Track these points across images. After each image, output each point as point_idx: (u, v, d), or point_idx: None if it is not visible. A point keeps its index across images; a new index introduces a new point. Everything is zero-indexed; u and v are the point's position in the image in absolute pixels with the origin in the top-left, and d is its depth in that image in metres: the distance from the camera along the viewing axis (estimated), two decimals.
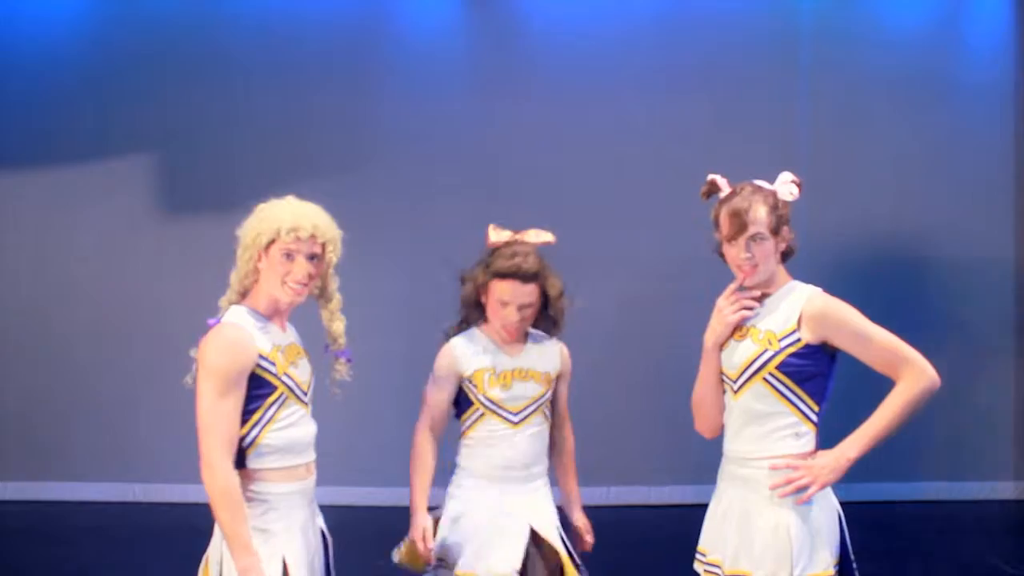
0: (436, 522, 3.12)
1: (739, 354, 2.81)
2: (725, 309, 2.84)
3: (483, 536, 3.05)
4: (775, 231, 2.79)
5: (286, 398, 2.72)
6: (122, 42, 6.74)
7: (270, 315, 2.76)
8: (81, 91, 6.72)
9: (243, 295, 2.79)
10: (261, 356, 2.66)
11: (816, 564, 2.71)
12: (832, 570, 2.74)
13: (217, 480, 2.57)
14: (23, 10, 6.79)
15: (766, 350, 2.77)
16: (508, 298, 3.07)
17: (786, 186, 2.85)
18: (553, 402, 3.25)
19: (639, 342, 6.65)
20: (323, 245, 2.76)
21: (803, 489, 2.70)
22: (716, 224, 2.86)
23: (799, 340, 2.75)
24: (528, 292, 3.08)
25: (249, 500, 2.64)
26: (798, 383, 2.76)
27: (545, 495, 3.19)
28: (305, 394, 2.82)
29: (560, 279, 3.15)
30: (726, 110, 6.76)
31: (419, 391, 3.20)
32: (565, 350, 3.27)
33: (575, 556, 3.15)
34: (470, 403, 3.16)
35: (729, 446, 2.88)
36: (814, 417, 2.79)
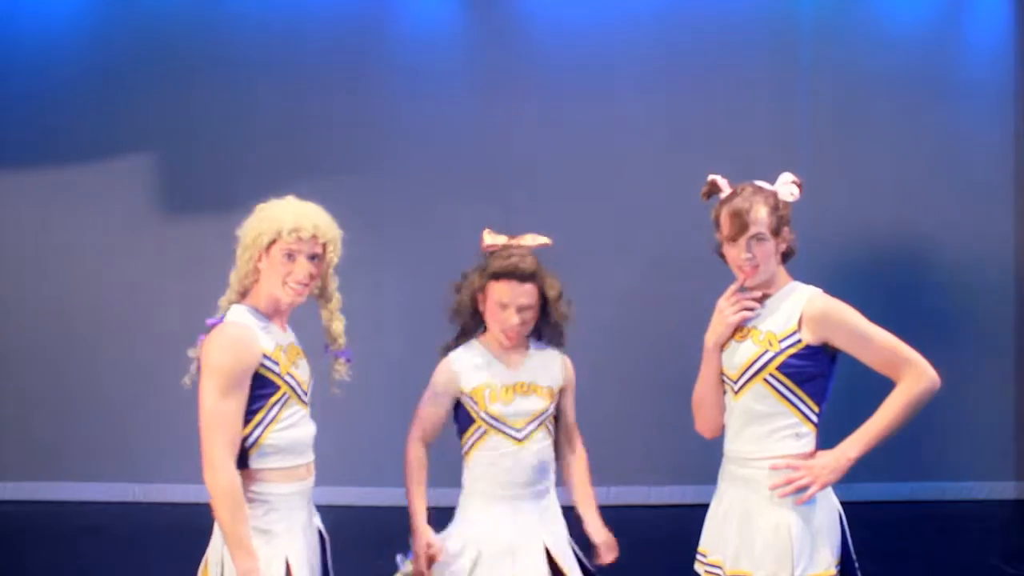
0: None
1: (740, 355, 2.82)
2: (726, 310, 2.84)
3: (497, 562, 2.97)
4: (776, 232, 2.79)
5: (288, 398, 2.72)
6: (122, 41, 6.73)
7: (270, 315, 2.77)
8: (81, 90, 6.71)
9: (243, 295, 2.79)
10: (265, 355, 2.67)
11: (817, 564, 2.71)
12: (834, 570, 2.74)
13: (220, 480, 2.57)
14: (23, 8, 6.78)
15: (767, 351, 2.77)
16: (507, 299, 3.00)
17: (787, 187, 2.85)
18: (559, 416, 3.17)
19: (639, 342, 6.65)
20: (324, 245, 2.77)
21: (803, 489, 2.71)
22: (717, 224, 2.86)
23: (800, 341, 2.75)
24: (526, 292, 3.02)
25: (250, 501, 2.64)
26: (799, 384, 2.76)
27: (555, 511, 3.12)
28: (306, 394, 2.82)
29: (558, 281, 3.09)
30: (726, 110, 6.76)
31: (418, 391, 3.15)
32: (568, 361, 3.19)
33: (591, 572, 3.09)
34: (471, 421, 3.07)
35: (729, 446, 2.88)
36: (814, 418, 2.80)
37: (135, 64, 6.70)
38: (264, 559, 2.61)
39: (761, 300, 2.84)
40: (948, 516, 6.49)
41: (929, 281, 6.87)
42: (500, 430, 3.04)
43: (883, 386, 2.75)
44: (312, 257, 2.74)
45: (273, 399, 2.69)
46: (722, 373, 2.89)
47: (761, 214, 2.76)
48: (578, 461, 3.21)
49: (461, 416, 3.11)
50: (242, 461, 2.65)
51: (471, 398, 3.06)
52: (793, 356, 2.75)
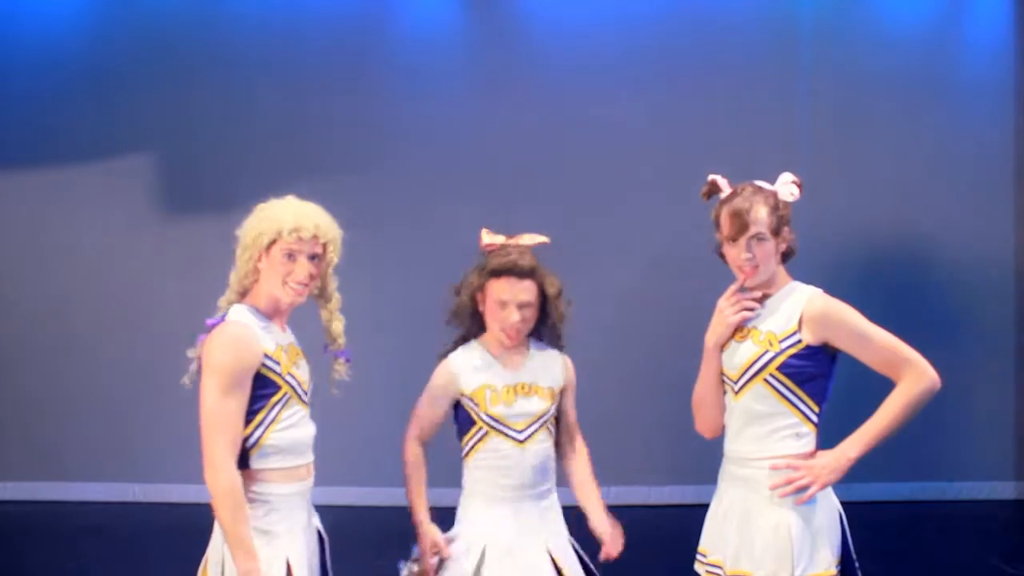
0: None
1: (740, 355, 2.82)
2: (726, 310, 2.84)
3: (499, 562, 2.95)
4: (776, 232, 2.79)
5: (289, 398, 2.72)
6: (122, 41, 6.73)
7: (271, 315, 2.77)
8: (81, 90, 6.71)
9: (242, 295, 2.79)
10: (266, 355, 2.67)
11: (817, 564, 2.71)
12: (834, 570, 2.74)
13: (221, 480, 2.56)
14: (23, 8, 6.78)
15: (767, 351, 2.77)
16: (507, 296, 2.98)
17: (787, 187, 2.85)
18: (560, 416, 3.15)
19: (639, 342, 6.65)
20: (324, 245, 2.77)
21: (804, 489, 2.71)
22: (717, 224, 2.86)
23: (800, 341, 2.75)
24: (526, 288, 2.99)
25: (251, 501, 2.64)
26: (799, 384, 2.76)
27: (557, 512, 3.11)
28: (306, 394, 2.82)
29: (557, 279, 3.08)
30: (726, 110, 6.76)
31: (418, 391, 3.14)
32: (569, 362, 3.18)
33: (594, 571, 3.08)
34: (472, 422, 3.05)
35: (730, 446, 2.88)
36: (814, 418, 2.80)
37: (135, 64, 6.69)
38: (265, 559, 2.61)
39: (761, 300, 2.84)
40: (948, 516, 6.49)
41: (929, 281, 6.87)
42: (501, 432, 3.02)
43: (883, 386, 2.75)
44: (312, 257, 2.74)
45: (274, 399, 2.69)
46: (722, 373, 2.89)
47: (761, 214, 2.76)
48: (580, 457, 3.19)
49: (461, 418, 3.09)
50: (243, 461, 2.65)
51: (472, 400, 3.04)
52: (793, 356, 2.75)
